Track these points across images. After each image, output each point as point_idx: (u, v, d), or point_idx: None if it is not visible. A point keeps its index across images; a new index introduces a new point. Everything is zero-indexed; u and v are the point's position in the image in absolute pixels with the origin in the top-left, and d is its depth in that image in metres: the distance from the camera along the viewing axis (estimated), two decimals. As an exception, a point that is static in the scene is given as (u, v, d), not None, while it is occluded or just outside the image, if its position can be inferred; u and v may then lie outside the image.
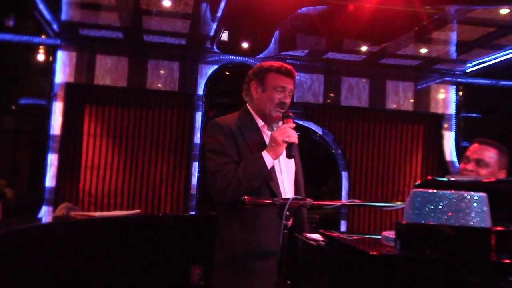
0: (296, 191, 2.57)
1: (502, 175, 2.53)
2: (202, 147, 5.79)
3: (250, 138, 2.46)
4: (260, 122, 2.55)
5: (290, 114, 2.45)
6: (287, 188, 2.51)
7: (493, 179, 2.17)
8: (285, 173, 2.52)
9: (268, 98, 2.51)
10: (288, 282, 2.02)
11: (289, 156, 2.38)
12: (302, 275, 1.78)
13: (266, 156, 2.36)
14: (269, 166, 2.36)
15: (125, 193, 5.81)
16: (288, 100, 2.54)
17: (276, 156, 2.38)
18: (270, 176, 2.38)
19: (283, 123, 2.42)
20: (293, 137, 2.36)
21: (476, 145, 2.59)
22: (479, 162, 2.52)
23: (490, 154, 2.52)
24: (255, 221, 2.38)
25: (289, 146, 2.37)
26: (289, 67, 2.58)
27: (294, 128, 2.41)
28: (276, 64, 2.58)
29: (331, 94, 6.32)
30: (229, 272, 2.39)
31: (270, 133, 2.53)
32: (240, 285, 2.36)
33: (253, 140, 2.46)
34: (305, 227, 2.60)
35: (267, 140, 2.49)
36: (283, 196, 2.42)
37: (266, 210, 2.37)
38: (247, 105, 2.61)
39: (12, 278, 1.98)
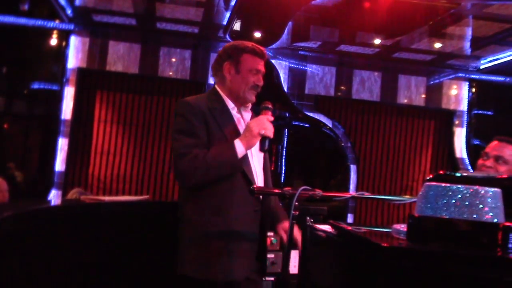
0: (265, 180, 2.50)
1: None
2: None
3: (221, 120, 2.36)
4: (231, 104, 2.45)
5: (270, 106, 2.36)
6: (258, 170, 2.44)
7: (505, 176, 2.15)
8: (255, 156, 2.44)
9: (243, 80, 2.42)
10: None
11: (261, 149, 2.31)
12: (311, 265, 1.78)
13: (238, 144, 2.28)
14: (239, 156, 2.28)
15: (133, 179, 5.83)
16: (261, 83, 2.46)
17: (248, 147, 2.30)
18: (240, 165, 2.30)
19: (262, 114, 2.33)
20: (269, 131, 2.28)
21: (496, 142, 2.60)
22: (498, 159, 2.53)
23: (510, 152, 2.53)
24: (227, 206, 2.30)
25: (263, 140, 2.29)
26: (262, 48, 2.50)
27: (272, 122, 2.32)
28: (249, 44, 2.49)
29: (343, 87, 6.29)
30: (200, 256, 2.28)
31: (239, 116, 2.45)
32: (213, 266, 2.26)
33: (224, 122, 2.36)
34: (278, 214, 2.56)
35: (237, 122, 2.42)
36: (255, 178, 2.38)
37: (239, 195, 2.31)
38: (216, 86, 2.50)
39: (21, 261, 1.99)
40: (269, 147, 2.35)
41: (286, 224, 2.52)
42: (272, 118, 2.34)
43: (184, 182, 2.32)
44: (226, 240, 2.30)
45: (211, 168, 2.24)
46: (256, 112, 2.49)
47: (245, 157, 2.35)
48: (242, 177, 2.33)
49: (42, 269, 2.14)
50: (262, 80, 2.48)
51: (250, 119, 2.44)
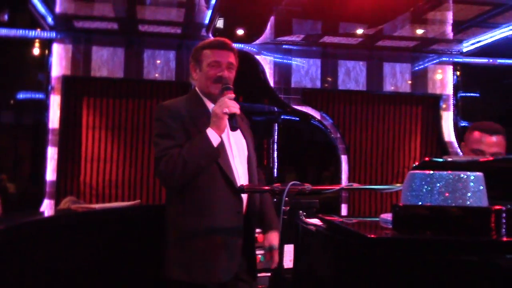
0: (249, 173, 2.49)
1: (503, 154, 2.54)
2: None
3: (200, 122, 2.34)
4: (209, 103, 2.45)
5: (229, 86, 2.34)
6: (240, 170, 2.41)
7: (490, 158, 2.18)
8: (237, 155, 2.43)
9: (205, 76, 2.42)
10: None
11: (232, 128, 2.27)
12: (304, 259, 1.80)
13: (210, 132, 2.26)
14: (215, 143, 2.26)
15: (125, 184, 5.82)
16: (226, 74, 2.40)
17: (220, 131, 2.27)
18: (217, 153, 2.28)
19: (223, 95, 2.30)
20: (234, 108, 2.25)
21: (487, 136, 2.56)
22: (497, 156, 2.51)
23: (502, 143, 2.54)
24: (209, 207, 2.30)
25: (231, 118, 2.26)
26: (222, 39, 2.48)
27: (235, 100, 2.30)
28: (209, 40, 2.50)
29: (329, 78, 6.30)
30: (184, 259, 2.29)
31: None
32: (197, 268, 2.27)
33: (203, 123, 2.33)
34: (267, 221, 2.56)
35: None
36: (236, 176, 2.36)
37: (220, 195, 2.30)
38: (195, 88, 2.51)
39: (15, 272, 1.99)
40: (238, 125, 2.32)
41: (271, 238, 2.53)
42: (233, 96, 2.31)
43: (166, 183, 2.33)
44: (208, 241, 2.30)
45: (188, 162, 2.22)
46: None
47: (226, 157, 2.35)
48: (223, 177, 2.32)
49: (36, 282, 2.14)
50: (227, 71, 2.42)
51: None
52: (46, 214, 3.71)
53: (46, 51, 5.69)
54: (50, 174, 5.59)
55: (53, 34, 5.66)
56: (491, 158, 2.15)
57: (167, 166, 2.23)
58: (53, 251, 2.25)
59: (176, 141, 2.29)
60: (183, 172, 2.23)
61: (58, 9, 5.24)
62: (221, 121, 2.27)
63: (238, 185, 2.32)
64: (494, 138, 2.55)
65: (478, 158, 2.28)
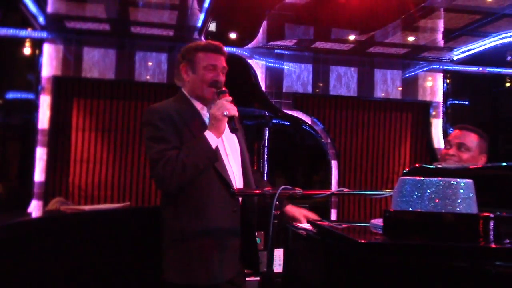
0: (244, 174, 2.49)
1: (482, 159, 2.61)
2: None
3: (191, 123, 2.35)
4: (199, 105, 2.45)
5: (224, 89, 2.35)
6: (235, 170, 2.42)
7: (479, 165, 2.20)
8: (231, 155, 2.43)
9: (200, 79, 2.41)
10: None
11: (232, 130, 2.30)
12: (294, 264, 1.80)
13: (209, 135, 2.26)
14: (213, 146, 2.27)
15: (115, 186, 5.79)
16: (221, 78, 2.42)
17: (219, 134, 2.29)
18: (216, 156, 2.29)
19: (219, 99, 2.32)
20: (233, 110, 2.27)
21: (457, 131, 2.68)
22: (461, 147, 2.60)
23: (471, 139, 2.61)
24: (205, 208, 2.29)
25: (230, 120, 2.28)
26: (216, 43, 2.48)
27: (232, 102, 2.31)
28: (202, 43, 2.51)
29: (320, 84, 6.32)
30: (181, 260, 2.28)
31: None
32: (194, 270, 2.26)
33: (194, 124, 2.34)
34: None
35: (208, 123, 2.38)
36: (232, 179, 2.36)
37: (216, 196, 2.30)
38: (182, 89, 2.50)
39: (1, 274, 1.98)
40: (236, 127, 2.33)
41: (289, 210, 2.52)
42: (230, 98, 2.32)
43: (165, 186, 2.30)
44: (205, 243, 2.29)
45: (187, 165, 2.22)
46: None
47: (220, 158, 2.35)
48: (218, 178, 2.32)
49: (24, 284, 2.12)
50: (222, 75, 2.44)
51: None
52: (34, 215, 3.69)
53: (37, 51, 5.65)
54: (39, 175, 5.55)
55: (44, 34, 5.63)
56: (480, 165, 2.17)
57: (165, 169, 2.22)
58: (41, 253, 2.23)
59: (170, 144, 2.28)
60: (182, 175, 2.22)
61: (49, 9, 5.20)
62: (220, 124, 2.28)
63: (233, 184, 2.33)
64: (461, 132, 2.64)
65: (468, 165, 2.31)
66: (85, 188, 5.70)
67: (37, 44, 5.66)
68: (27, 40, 5.70)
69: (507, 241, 1.25)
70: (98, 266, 2.58)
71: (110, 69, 5.76)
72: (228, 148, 2.44)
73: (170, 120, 2.32)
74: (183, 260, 2.29)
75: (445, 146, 2.70)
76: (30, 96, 5.72)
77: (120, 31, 5.78)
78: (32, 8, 5.15)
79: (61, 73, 5.66)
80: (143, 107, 5.85)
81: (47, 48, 5.64)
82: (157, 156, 2.25)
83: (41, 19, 5.40)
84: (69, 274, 2.41)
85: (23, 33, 5.62)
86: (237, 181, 2.42)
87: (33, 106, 5.62)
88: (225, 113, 2.26)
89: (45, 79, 5.62)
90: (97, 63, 5.73)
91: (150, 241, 2.50)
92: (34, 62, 5.67)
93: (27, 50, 5.75)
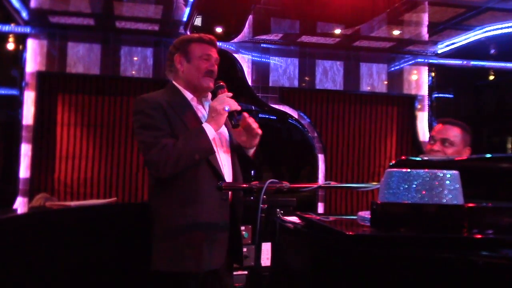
0: (233, 163, 2.52)
1: (467, 152, 2.62)
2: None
3: (182, 113, 2.36)
4: (189, 95, 2.46)
5: (222, 84, 2.41)
6: (224, 161, 2.45)
7: (465, 157, 2.22)
8: (220, 147, 2.45)
9: (195, 68, 2.44)
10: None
11: (233, 125, 2.35)
12: (282, 257, 1.80)
13: (208, 127, 2.29)
14: (211, 138, 2.30)
15: (101, 182, 5.76)
16: (215, 68, 2.47)
17: (217, 127, 2.32)
18: (213, 149, 2.31)
19: (218, 94, 2.36)
20: (234, 105, 2.32)
21: (440, 125, 2.68)
22: (445, 142, 2.61)
23: (455, 133, 2.62)
24: (194, 197, 2.31)
25: (231, 115, 2.33)
26: (210, 36, 2.52)
27: (232, 97, 2.36)
28: (196, 35, 2.53)
29: (306, 78, 6.34)
30: (171, 249, 2.29)
31: (200, 106, 2.47)
32: (185, 258, 2.27)
33: (185, 115, 2.36)
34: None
35: (199, 114, 2.43)
36: (223, 171, 2.39)
37: (205, 185, 2.32)
38: (172, 81, 2.52)
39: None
40: (238, 123, 2.38)
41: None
42: (230, 94, 2.37)
43: (157, 172, 2.29)
44: (195, 230, 2.31)
45: (183, 155, 2.23)
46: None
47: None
48: (208, 167, 2.34)
49: (9, 281, 2.10)
50: (215, 65, 2.48)
51: None
52: (19, 211, 3.66)
53: (21, 46, 5.58)
54: (24, 172, 5.50)
55: (27, 29, 5.56)
56: (465, 157, 2.19)
57: (160, 156, 2.23)
58: (27, 249, 2.22)
59: (162, 131, 2.29)
60: (176, 163, 2.24)
61: (33, 3, 5.14)
62: (221, 117, 2.32)
63: (223, 174, 2.36)
64: (444, 126, 2.65)
65: (454, 157, 2.33)
66: (70, 184, 5.66)
67: (20, 40, 5.59)
68: (11, 35, 5.62)
69: (490, 231, 1.27)
70: (84, 261, 2.56)
71: (95, 64, 5.72)
72: (218, 139, 2.46)
73: (161, 108, 2.33)
74: (172, 249, 2.30)
75: (429, 142, 2.71)
76: (14, 92, 5.65)
77: (105, 25, 5.73)
78: (15, 3, 5.09)
79: (46, 68, 5.60)
80: (129, 102, 5.82)
81: (31, 43, 5.57)
82: (151, 141, 2.26)
83: (24, 14, 5.33)
84: (55, 270, 2.39)
85: (6, 28, 5.55)
86: (226, 170, 2.45)
87: (17, 102, 5.55)
88: (226, 108, 2.30)
89: (29, 74, 5.56)
90: (82, 58, 5.68)
91: (136, 236, 2.49)
92: (17, 57, 5.60)
93: (10, 46, 5.67)
